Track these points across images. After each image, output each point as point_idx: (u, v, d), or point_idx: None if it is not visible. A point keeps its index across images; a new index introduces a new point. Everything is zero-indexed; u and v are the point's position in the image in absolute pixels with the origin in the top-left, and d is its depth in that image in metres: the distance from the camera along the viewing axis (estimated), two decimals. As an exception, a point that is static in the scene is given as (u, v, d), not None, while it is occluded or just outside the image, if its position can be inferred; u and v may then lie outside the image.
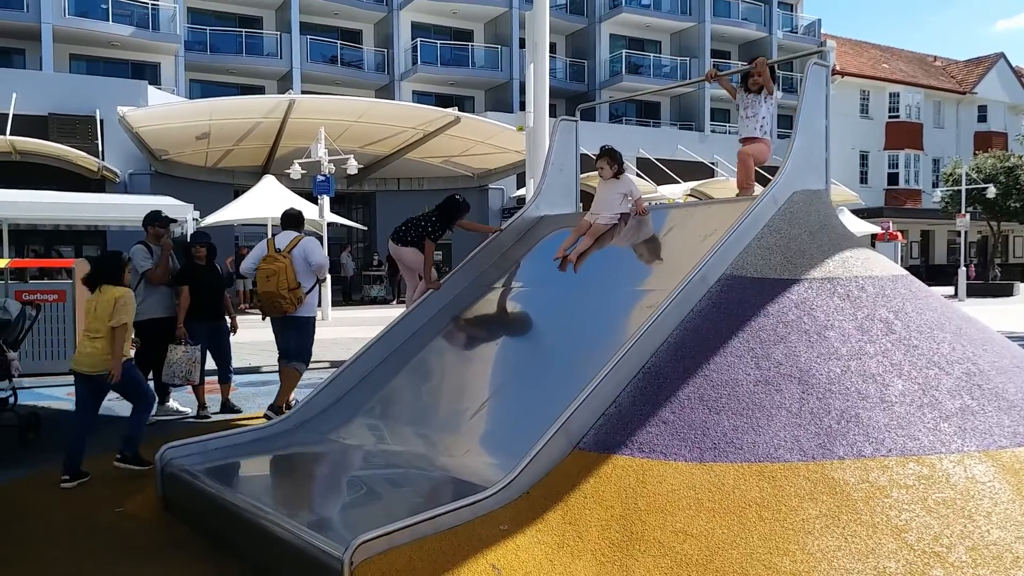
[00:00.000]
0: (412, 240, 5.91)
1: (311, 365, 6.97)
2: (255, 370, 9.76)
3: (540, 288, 5.54)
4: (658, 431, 3.72)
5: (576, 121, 6.63)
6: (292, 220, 6.71)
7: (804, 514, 3.23)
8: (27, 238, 21.52)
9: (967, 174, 29.62)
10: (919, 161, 40.50)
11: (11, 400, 6.03)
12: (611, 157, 5.59)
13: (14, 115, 19.58)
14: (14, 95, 20.00)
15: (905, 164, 40.02)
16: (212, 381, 7.21)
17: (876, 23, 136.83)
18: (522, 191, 19.84)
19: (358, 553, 2.96)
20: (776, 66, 5.75)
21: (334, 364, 9.05)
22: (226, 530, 3.79)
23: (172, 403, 7.09)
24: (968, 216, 27.92)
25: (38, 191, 17.53)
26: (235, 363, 7.61)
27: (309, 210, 18.23)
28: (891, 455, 3.54)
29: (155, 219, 6.84)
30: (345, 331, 14.01)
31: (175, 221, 7.14)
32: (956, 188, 29.80)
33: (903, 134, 39.99)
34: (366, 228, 25.99)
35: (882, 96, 40.09)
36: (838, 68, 37.87)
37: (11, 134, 18.60)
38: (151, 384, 6.89)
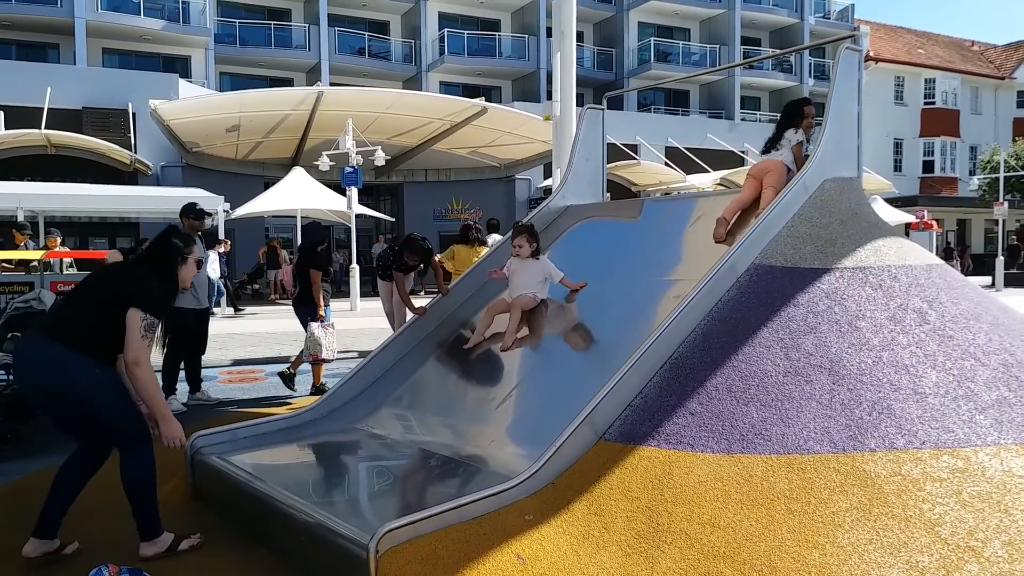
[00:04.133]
0: (382, 274, 6.78)
1: (339, 356, 7.59)
2: (288, 360, 9.83)
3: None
4: (685, 422, 3.68)
5: (603, 110, 6.57)
6: (493, 228, 9.09)
7: (834, 507, 3.18)
8: (62, 230, 21.88)
9: (1005, 161, 28.99)
10: (955, 148, 39.61)
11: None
12: (530, 234, 5.10)
13: (49, 109, 19.95)
14: (48, 89, 20.36)
15: (941, 151, 39.17)
16: (252, 369, 7.32)
17: (911, 7, 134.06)
18: (549, 181, 19.75)
19: (384, 541, 2.98)
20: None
21: (362, 354, 9.10)
22: (254, 518, 3.83)
23: (204, 391, 7.19)
24: (1006, 204, 27.32)
25: (72, 184, 17.94)
26: (266, 352, 7.75)
27: (337, 202, 18.39)
28: (924, 447, 3.46)
29: (190, 211, 6.96)
30: (373, 321, 14.08)
31: (210, 215, 7.32)
32: (994, 175, 29.19)
33: (939, 121, 39.13)
34: (394, 219, 26.09)
35: (917, 82, 39.26)
36: (872, 54, 37.14)
37: (46, 128, 18.95)
38: (182, 373, 7.03)
